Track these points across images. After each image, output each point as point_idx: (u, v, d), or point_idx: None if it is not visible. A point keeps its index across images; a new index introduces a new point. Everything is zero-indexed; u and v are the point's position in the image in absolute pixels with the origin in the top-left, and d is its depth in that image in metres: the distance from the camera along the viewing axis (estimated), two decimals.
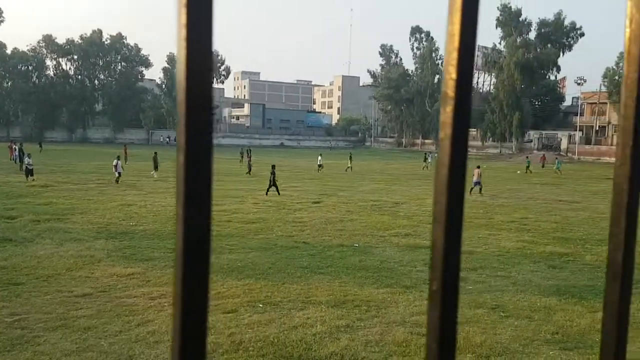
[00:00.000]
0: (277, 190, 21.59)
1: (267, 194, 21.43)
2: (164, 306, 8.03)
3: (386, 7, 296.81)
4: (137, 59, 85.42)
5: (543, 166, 46.80)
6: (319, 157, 38.18)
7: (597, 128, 70.23)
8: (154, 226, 14.46)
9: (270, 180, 21.67)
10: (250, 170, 32.15)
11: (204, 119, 0.49)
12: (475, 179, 24.28)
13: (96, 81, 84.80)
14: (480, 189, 24.16)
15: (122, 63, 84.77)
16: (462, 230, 0.56)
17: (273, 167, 21.89)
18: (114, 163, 25.43)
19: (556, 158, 48.24)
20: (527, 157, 50.54)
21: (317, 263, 10.89)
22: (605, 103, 66.10)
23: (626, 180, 0.57)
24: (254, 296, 8.59)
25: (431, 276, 0.55)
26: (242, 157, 43.23)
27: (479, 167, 25.71)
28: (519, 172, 41.00)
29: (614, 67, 57.94)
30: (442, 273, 0.54)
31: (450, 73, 0.52)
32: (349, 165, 38.48)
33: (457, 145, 0.53)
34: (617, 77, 57.17)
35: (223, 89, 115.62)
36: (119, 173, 25.22)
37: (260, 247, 12.19)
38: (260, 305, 8.16)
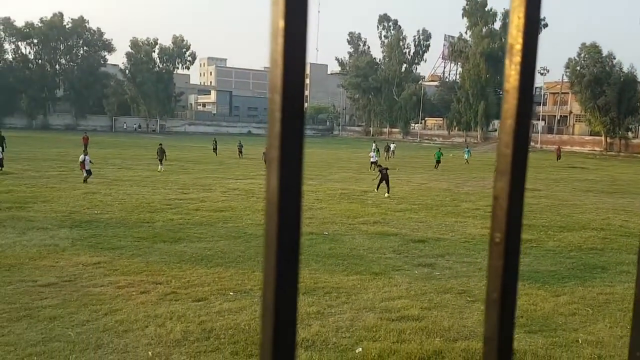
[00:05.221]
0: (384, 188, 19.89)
1: (377, 189, 20.04)
2: (131, 295, 7.92)
3: None
4: (99, 44, 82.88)
5: (559, 158, 43.89)
6: (372, 153, 32.54)
7: (559, 117, 72.15)
8: (119, 214, 14.19)
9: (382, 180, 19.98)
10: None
11: (297, 119, 0.50)
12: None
13: (57, 66, 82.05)
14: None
15: (84, 47, 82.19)
16: (525, 183, 0.58)
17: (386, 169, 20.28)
18: (81, 159, 20.75)
19: (467, 146, 44.10)
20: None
21: None
22: (567, 93, 67.85)
23: None
24: (224, 284, 8.55)
25: (492, 228, 0.58)
26: (215, 147, 39.29)
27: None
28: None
29: (576, 57, 59.11)
30: (506, 224, 0.58)
31: (515, 22, 0.53)
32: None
33: (523, 96, 0.54)
34: (578, 68, 58.50)
35: (189, 75, 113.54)
36: (88, 171, 20.63)
37: (230, 236, 12.12)
38: (231, 293, 8.13)
